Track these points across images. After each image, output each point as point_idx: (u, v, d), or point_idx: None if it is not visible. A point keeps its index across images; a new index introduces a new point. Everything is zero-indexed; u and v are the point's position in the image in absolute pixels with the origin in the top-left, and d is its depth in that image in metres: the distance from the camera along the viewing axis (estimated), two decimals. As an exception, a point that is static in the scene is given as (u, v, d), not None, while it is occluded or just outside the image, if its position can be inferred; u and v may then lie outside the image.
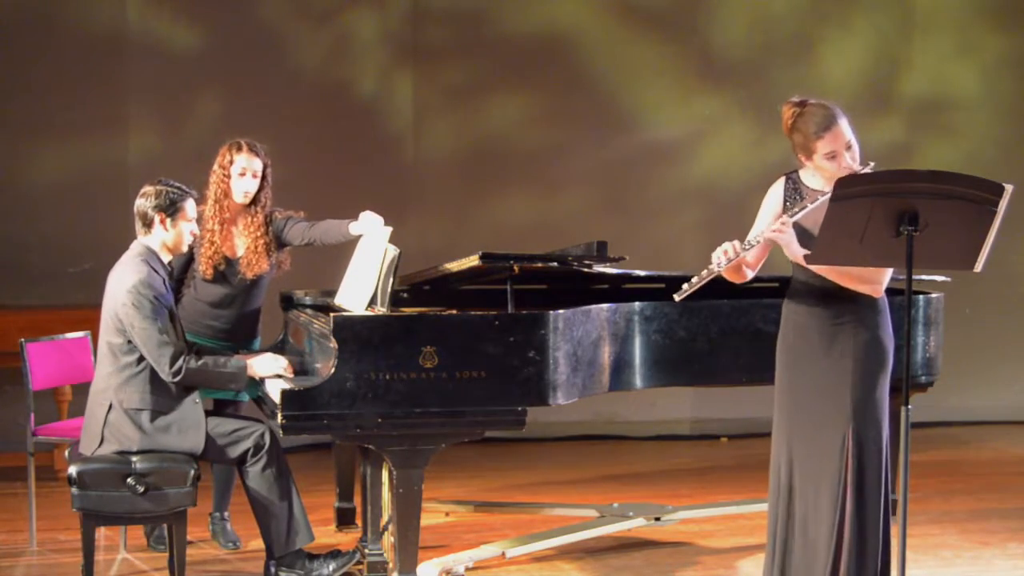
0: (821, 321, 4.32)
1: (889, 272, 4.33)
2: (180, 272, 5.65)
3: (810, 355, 4.34)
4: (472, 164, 8.47)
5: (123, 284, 4.95)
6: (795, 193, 4.38)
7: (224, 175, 5.57)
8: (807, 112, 4.26)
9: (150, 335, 4.90)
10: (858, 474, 4.23)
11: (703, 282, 4.26)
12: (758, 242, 4.29)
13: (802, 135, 4.27)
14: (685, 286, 4.27)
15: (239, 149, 5.59)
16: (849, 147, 4.24)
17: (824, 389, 4.29)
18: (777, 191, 4.43)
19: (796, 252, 4.26)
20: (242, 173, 5.57)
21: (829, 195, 4.08)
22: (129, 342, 4.95)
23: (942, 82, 8.99)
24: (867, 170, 4.19)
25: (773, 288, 5.50)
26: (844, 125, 4.23)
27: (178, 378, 4.92)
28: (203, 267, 5.57)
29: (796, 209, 4.28)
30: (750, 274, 4.45)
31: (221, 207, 5.59)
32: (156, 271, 5.01)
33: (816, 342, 4.32)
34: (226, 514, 5.85)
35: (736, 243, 4.25)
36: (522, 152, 8.50)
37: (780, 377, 4.43)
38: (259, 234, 5.61)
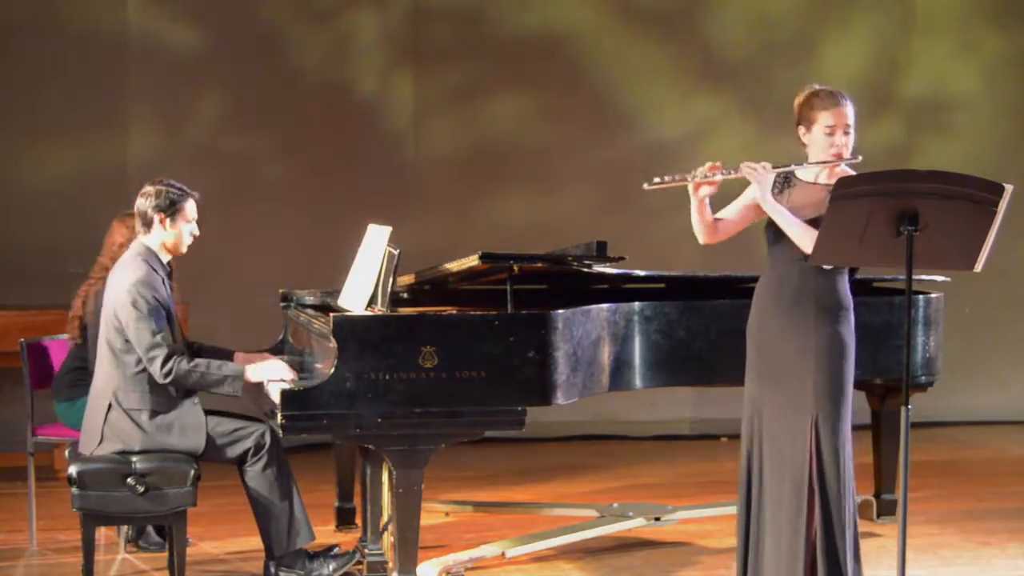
0: (783, 309, 4.36)
1: None
2: None
3: (772, 343, 4.39)
4: (472, 164, 8.46)
5: (122, 283, 4.95)
6: (785, 183, 4.42)
7: None
8: (822, 90, 4.39)
9: (143, 335, 4.90)
10: (819, 468, 4.25)
11: (674, 183, 4.43)
12: (737, 173, 4.37)
13: (809, 107, 4.37)
14: (657, 179, 4.44)
15: None
16: (847, 131, 4.33)
17: (786, 381, 4.33)
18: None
19: (766, 197, 4.34)
20: None
21: (814, 165, 4.31)
22: (127, 341, 4.95)
23: (942, 82, 8.98)
24: (855, 162, 4.30)
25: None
26: (850, 109, 4.34)
27: (169, 379, 4.91)
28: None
29: (782, 166, 4.37)
30: (715, 237, 4.58)
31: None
32: (155, 271, 5.01)
33: (777, 330, 4.37)
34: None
35: (720, 164, 4.39)
36: (522, 152, 8.50)
37: (747, 364, 4.48)
38: None
